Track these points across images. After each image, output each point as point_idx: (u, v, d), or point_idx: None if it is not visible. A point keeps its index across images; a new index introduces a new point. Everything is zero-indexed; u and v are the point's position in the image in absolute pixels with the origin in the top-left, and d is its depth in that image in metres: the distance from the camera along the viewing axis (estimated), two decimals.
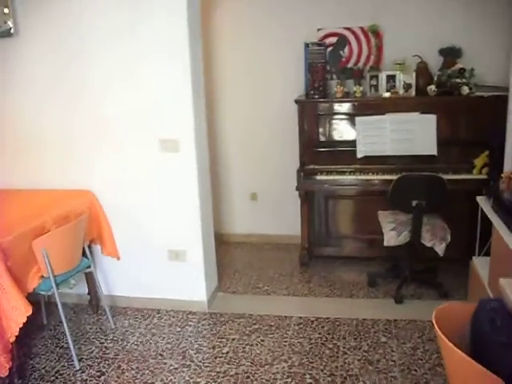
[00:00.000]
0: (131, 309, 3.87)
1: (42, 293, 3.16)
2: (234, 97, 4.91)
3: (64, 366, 3.21)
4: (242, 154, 5.03)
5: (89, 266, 3.51)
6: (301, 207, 4.38)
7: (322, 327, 3.50)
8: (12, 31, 3.60)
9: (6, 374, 2.79)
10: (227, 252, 4.91)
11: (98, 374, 3.11)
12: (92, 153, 3.73)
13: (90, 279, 3.76)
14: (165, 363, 3.18)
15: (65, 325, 3.16)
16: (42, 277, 3.11)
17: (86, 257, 3.50)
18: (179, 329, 3.57)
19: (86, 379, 3.06)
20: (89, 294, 3.87)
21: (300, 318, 3.63)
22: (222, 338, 3.43)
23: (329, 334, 3.42)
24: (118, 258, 3.84)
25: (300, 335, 3.42)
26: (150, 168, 3.66)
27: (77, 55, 3.57)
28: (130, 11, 3.41)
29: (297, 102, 4.30)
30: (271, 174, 4.97)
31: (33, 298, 3.04)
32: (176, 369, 3.12)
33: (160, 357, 3.25)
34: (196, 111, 3.54)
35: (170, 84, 3.47)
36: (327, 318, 3.61)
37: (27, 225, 3.09)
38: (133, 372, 3.11)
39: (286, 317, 3.65)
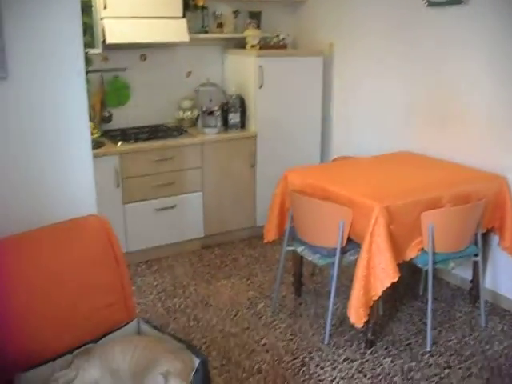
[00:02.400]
0: (510, 313, 3.51)
1: (419, 265, 3.16)
2: None
3: (417, 341, 3.19)
4: None
5: (476, 255, 3.32)
6: None
7: None
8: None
9: (361, 325, 2.96)
10: None
11: (445, 365, 2.97)
12: None
13: (476, 268, 3.54)
14: None
15: (429, 304, 3.10)
16: (423, 249, 3.09)
17: (476, 244, 3.30)
18: None
19: (431, 364, 2.97)
20: (471, 281, 3.67)
21: None
22: None
23: None
24: None
25: None
26: None
27: None
28: None
29: None
30: None
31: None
32: None
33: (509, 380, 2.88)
34: None
35: None
36: None
37: (422, 195, 3.10)
38: None
39: None
